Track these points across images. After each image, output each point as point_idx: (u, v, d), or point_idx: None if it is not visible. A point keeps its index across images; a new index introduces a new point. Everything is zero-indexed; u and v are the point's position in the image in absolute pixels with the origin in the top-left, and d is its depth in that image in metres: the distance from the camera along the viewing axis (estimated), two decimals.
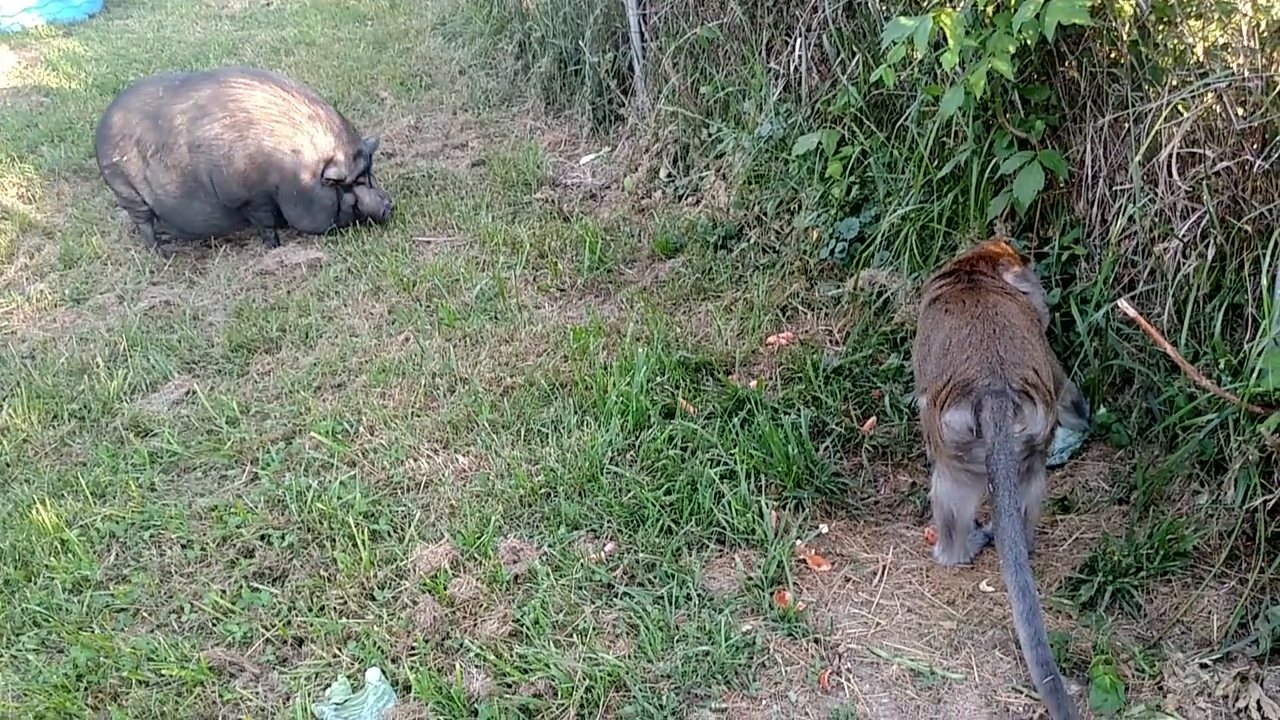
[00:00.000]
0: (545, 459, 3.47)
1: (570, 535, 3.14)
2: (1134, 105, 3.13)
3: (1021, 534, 2.52)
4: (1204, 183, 2.89)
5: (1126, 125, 3.20)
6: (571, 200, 5.65)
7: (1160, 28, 3.10)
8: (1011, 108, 3.52)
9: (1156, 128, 2.93)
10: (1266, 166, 2.73)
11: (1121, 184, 3.25)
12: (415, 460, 3.58)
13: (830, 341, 3.97)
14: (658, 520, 3.12)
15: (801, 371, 3.73)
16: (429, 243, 5.36)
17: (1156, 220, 3.09)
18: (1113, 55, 3.25)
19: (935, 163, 3.78)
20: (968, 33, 3.29)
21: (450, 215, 5.58)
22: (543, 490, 3.35)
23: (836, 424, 3.47)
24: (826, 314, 4.10)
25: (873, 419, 3.51)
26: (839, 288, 4.16)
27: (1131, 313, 2.49)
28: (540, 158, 6.10)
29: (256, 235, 5.59)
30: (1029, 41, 3.29)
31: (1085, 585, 2.76)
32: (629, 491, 3.25)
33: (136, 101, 5.26)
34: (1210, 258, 2.89)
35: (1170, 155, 2.97)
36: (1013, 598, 2.48)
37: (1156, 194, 3.08)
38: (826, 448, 3.38)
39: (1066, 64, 3.42)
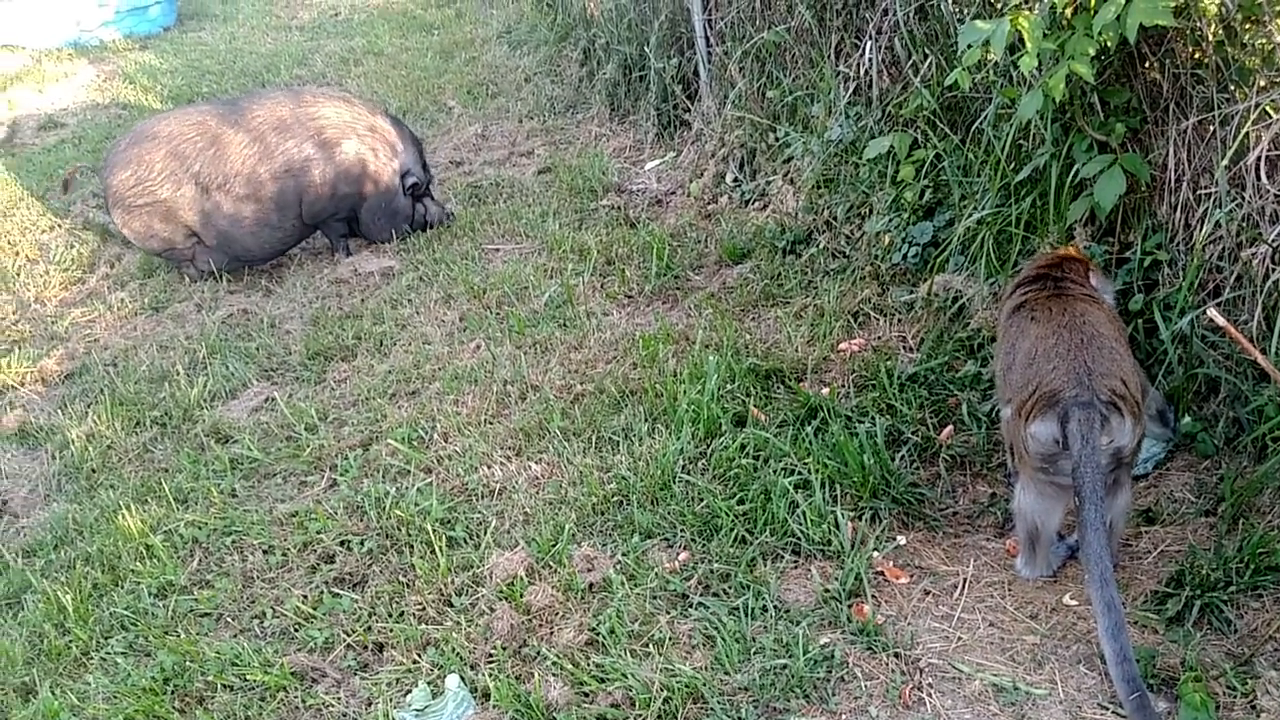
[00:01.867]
0: (617, 467, 3.48)
1: (643, 544, 3.15)
2: (1220, 107, 3.05)
3: (1107, 548, 2.47)
4: None
5: (1211, 128, 3.12)
6: (637, 206, 5.66)
7: (1247, 27, 3.02)
8: (1090, 110, 3.45)
9: (1245, 130, 2.86)
10: None
11: (1206, 188, 3.17)
12: (489, 467, 3.61)
13: (904, 348, 3.92)
14: (731, 530, 3.11)
15: (875, 379, 3.69)
16: (497, 250, 5.41)
17: (1244, 225, 3.01)
18: (1197, 56, 3.17)
19: (1012, 166, 3.72)
20: (1045, 35, 3.23)
21: (518, 223, 5.63)
22: (615, 498, 3.36)
23: (912, 433, 3.43)
24: (899, 320, 4.06)
25: (950, 427, 3.47)
26: (912, 293, 4.11)
27: (1221, 321, 2.42)
28: (606, 164, 6.12)
29: (328, 245, 5.69)
30: (1109, 43, 3.22)
31: (1172, 599, 2.69)
32: (702, 500, 3.25)
33: (183, 133, 5.12)
34: None
35: (1259, 158, 2.89)
36: (1098, 613, 2.43)
37: (1244, 198, 3.00)
38: (902, 457, 3.34)
39: (1148, 65, 3.35)
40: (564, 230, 5.39)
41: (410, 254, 5.46)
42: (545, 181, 6.20)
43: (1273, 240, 2.87)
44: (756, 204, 5.24)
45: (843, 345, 3.99)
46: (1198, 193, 3.20)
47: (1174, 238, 3.30)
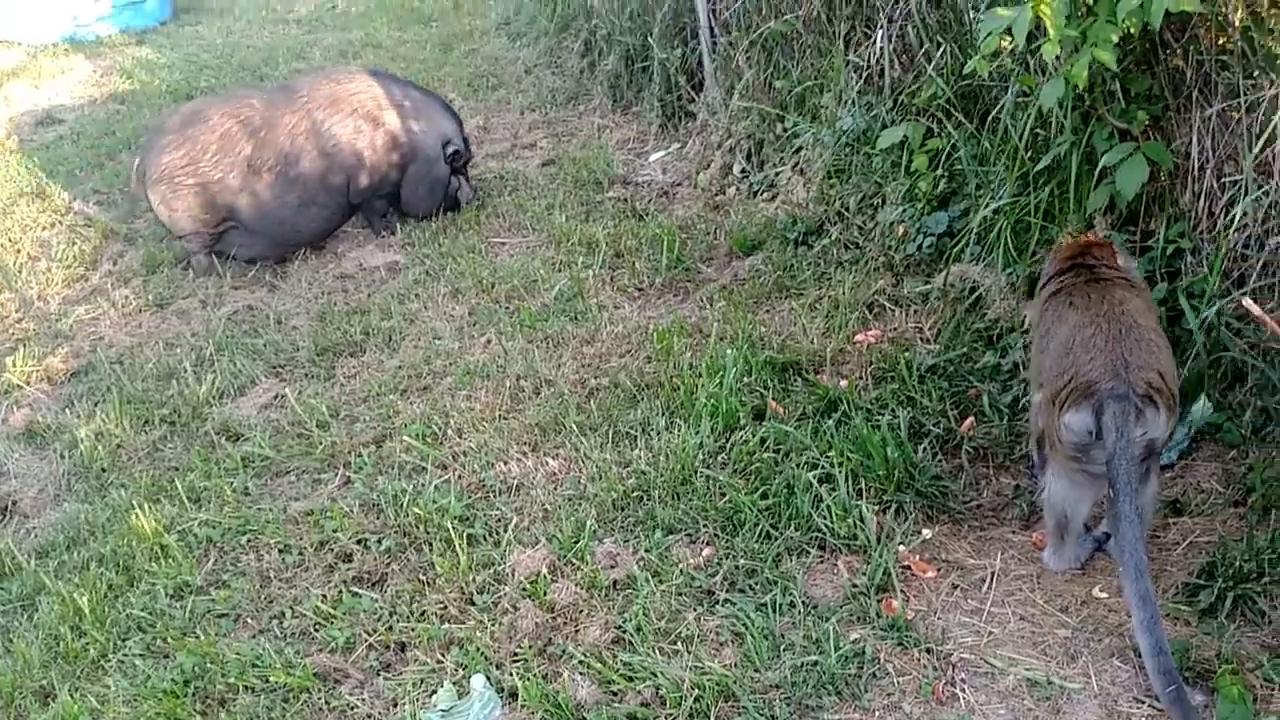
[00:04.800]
0: (636, 461, 3.44)
1: (666, 539, 3.11)
2: (1245, 94, 3.02)
3: (1142, 540, 2.46)
4: None
5: (1236, 115, 3.09)
6: (644, 198, 5.62)
7: (1274, 12, 2.99)
8: (1111, 98, 3.42)
9: (1276, 118, 2.82)
10: None
11: (1230, 175, 3.14)
12: (505, 463, 3.57)
13: (921, 339, 3.89)
14: (756, 525, 3.08)
15: (893, 370, 3.66)
16: (504, 244, 5.37)
17: (1270, 212, 2.99)
18: (1221, 42, 3.14)
19: (1030, 155, 3.69)
20: (1067, 21, 3.20)
21: (523, 216, 5.58)
22: (635, 493, 3.32)
23: (933, 425, 3.40)
24: (915, 311, 4.03)
25: (971, 419, 3.44)
26: (928, 284, 4.08)
27: (1257, 311, 2.41)
28: (610, 156, 6.07)
29: (331, 239, 5.64)
30: (1132, 30, 3.19)
31: (1204, 591, 2.67)
32: (724, 495, 3.22)
33: (236, 114, 5.20)
34: None
35: None
36: (1132, 606, 2.41)
37: (1270, 185, 2.97)
38: (924, 449, 3.31)
39: (1169, 52, 3.32)
40: (571, 223, 5.34)
41: (415, 248, 5.41)
42: (549, 174, 6.15)
43: None
44: (765, 195, 5.20)
45: (859, 337, 3.96)
46: (1221, 180, 3.18)
47: (1197, 226, 3.27)
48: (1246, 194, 3.00)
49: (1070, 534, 2.81)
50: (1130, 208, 3.46)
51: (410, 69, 8.27)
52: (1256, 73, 3.01)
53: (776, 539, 3.03)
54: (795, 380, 3.75)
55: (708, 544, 3.08)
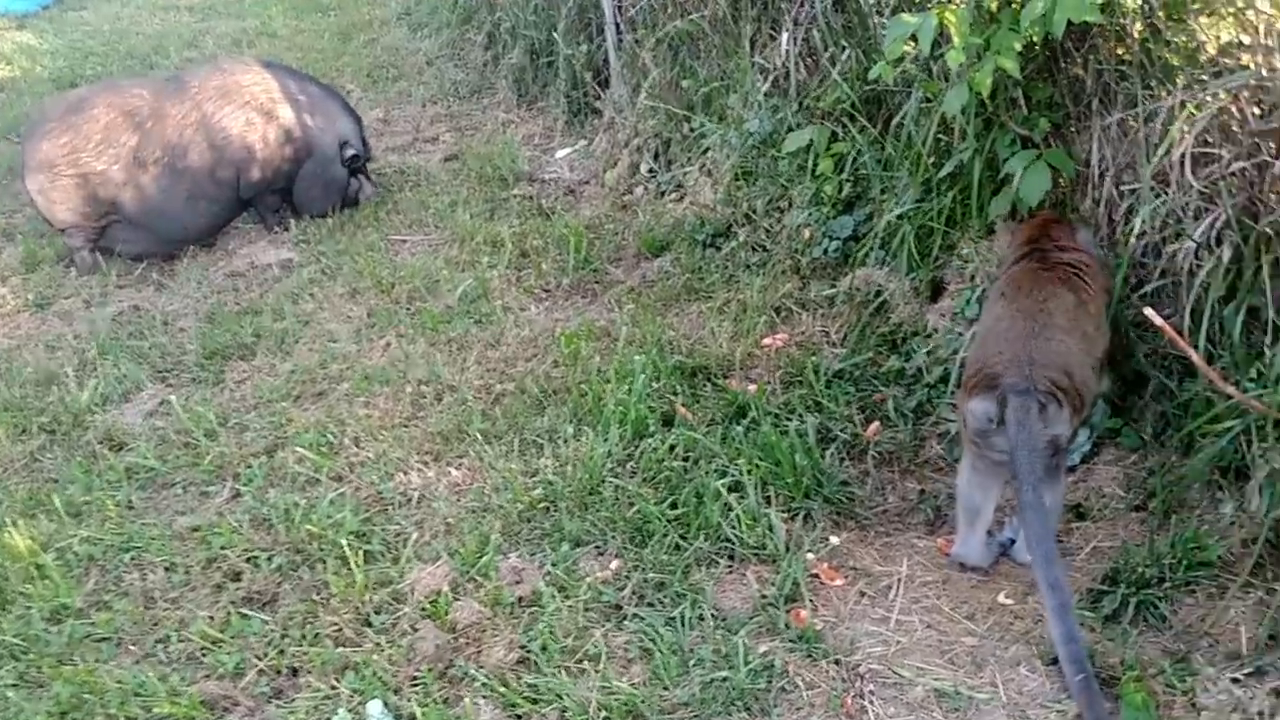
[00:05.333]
0: (542, 471, 3.35)
1: (574, 553, 3.03)
2: (1144, 104, 3.06)
3: (1049, 528, 2.50)
4: (1220, 183, 2.83)
5: (1135, 124, 3.13)
6: (550, 196, 5.53)
7: (1170, 25, 3.04)
8: (1013, 105, 3.44)
9: (1175, 128, 2.86)
10: None
11: (1129, 183, 3.18)
12: (405, 474, 3.45)
13: (828, 343, 3.88)
14: (665, 535, 3.02)
15: (801, 375, 3.64)
16: (404, 242, 5.22)
17: (1168, 220, 3.04)
18: (1120, 53, 3.18)
19: (932, 160, 3.70)
20: (971, 28, 3.20)
21: (425, 213, 5.44)
22: (542, 504, 3.23)
23: (840, 430, 3.38)
24: (822, 314, 4.01)
25: (876, 424, 3.43)
26: (833, 287, 4.07)
27: (1159, 321, 2.42)
28: (515, 152, 5.96)
29: (222, 235, 5.41)
30: (1034, 38, 3.22)
31: (1108, 597, 2.69)
32: (632, 505, 3.15)
33: (123, 105, 4.98)
34: (1226, 259, 2.83)
35: (1184, 155, 2.90)
36: (1044, 592, 2.43)
37: (1167, 194, 3.01)
38: (831, 455, 3.29)
39: (1070, 61, 3.36)
40: (475, 221, 5.22)
41: (311, 245, 5.23)
42: (452, 169, 6.01)
43: (1197, 236, 2.89)
44: (673, 195, 5.15)
45: (767, 340, 3.93)
46: (1120, 188, 3.22)
47: (1097, 233, 3.31)
48: (1145, 202, 3.04)
49: (980, 522, 2.81)
50: (1032, 214, 3.49)
51: (307, 59, 8.03)
52: (1154, 83, 3.05)
53: (686, 550, 2.97)
54: (704, 385, 3.70)
55: (616, 556, 3.01)
